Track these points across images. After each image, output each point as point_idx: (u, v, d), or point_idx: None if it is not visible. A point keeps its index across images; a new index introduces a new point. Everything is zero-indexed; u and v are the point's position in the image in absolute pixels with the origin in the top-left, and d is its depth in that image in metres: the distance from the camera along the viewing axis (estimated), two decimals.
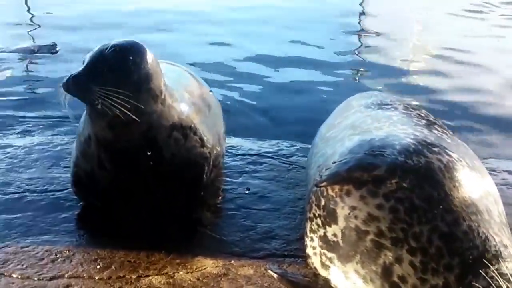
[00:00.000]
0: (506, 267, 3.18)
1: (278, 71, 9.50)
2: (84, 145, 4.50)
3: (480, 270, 3.15)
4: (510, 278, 3.10)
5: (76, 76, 4.07)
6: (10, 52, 9.50)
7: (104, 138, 4.32)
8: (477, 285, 3.10)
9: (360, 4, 14.75)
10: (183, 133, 4.52)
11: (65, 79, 4.08)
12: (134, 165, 4.41)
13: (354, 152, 3.69)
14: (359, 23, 12.96)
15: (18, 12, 12.80)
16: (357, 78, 9.72)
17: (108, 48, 4.16)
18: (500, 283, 3.07)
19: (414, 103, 4.75)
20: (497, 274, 3.11)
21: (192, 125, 4.62)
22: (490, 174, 4.90)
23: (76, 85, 4.07)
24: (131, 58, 4.20)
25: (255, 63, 9.85)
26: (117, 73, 4.14)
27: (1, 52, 9.48)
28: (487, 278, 3.10)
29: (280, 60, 10.05)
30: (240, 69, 9.63)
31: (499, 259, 3.22)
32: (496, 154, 6.64)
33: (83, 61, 4.17)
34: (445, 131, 4.20)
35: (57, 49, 9.64)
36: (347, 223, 3.47)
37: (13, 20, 12.25)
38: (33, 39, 10.72)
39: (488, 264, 3.16)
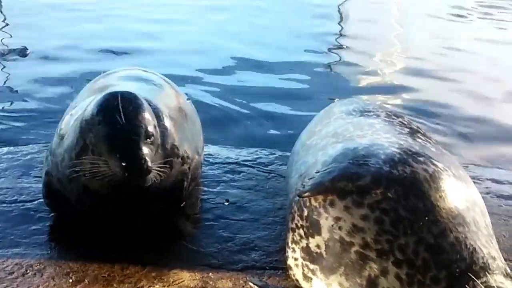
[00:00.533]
0: (494, 280, 3.18)
1: (255, 78, 9.39)
2: (65, 173, 4.38)
3: (467, 285, 3.14)
4: None
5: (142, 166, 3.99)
6: None
7: (97, 190, 4.30)
8: None
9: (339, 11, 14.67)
10: (170, 162, 4.45)
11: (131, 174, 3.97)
12: (118, 197, 4.35)
13: (338, 161, 3.68)
14: (340, 32, 12.88)
15: None
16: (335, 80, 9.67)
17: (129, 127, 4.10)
18: None
19: (396, 110, 4.73)
20: (484, 287, 3.09)
21: (175, 150, 4.58)
22: (474, 182, 4.93)
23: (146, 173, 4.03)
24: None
25: (232, 71, 9.75)
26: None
27: None
28: None
29: (258, 67, 9.95)
30: (214, 76, 9.52)
31: (487, 271, 3.22)
32: (480, 159, 6.62)
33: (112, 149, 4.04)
34: (428, 139, 4.19)
35: (27, 52, 9.50)
36: (331, 235, 3.44)
37: None
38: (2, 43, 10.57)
39: (476, 277, 3.14)
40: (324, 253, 3.47)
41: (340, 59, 10.68)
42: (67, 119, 4.56)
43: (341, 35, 12.61)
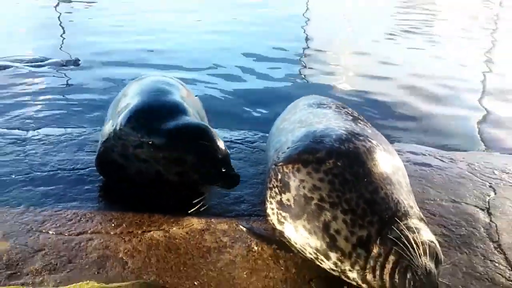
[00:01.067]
0: (412, 222, 3.27)
1: (238, 80, 9.34)
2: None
3: (393, 226, 3.21)
4: (415, 230, 3.18)
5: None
6: (44, 65, 9.28)
7: (167, 177, 4.42)
8: (390, 236, 3.16)
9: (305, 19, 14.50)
10: None
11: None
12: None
13: (302, 140, 3.76)
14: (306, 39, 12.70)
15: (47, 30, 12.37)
16: (302, 80, 9.61)
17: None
18: (407, 233, 3.12)
19: (342, 103, 4.79)
20: (405, 228, 3.17)
21: None
22: (398, 154, 4.98)
23: None
24: None
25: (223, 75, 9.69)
26: None
27: (36, 64, 9.25)
28: (398, 231, 3.16)
29: (242, 70, 9.90)
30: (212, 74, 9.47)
31: (407, 216, 3.31)
32: (401, 138, 6.68)
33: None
34: (366, 124, 4.27)
35: (79, 62, 9.43)
36: (297, 192, 3.51)
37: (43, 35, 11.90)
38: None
39: (399, 220, 3.21)
40: (292, 204, 3.54)
41: (306, 66, 10.55)
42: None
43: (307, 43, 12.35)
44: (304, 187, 3.48)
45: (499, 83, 9.84)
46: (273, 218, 3.74)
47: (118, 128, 4.42)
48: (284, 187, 3.61)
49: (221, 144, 4.38)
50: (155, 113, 4.43)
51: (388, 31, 13.59)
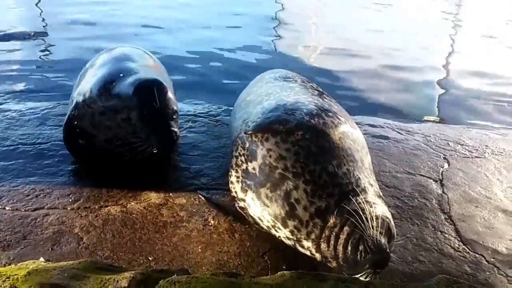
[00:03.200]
0: (371, 198, 3.20)
1: (210, 56, 8.98)
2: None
3: (351, 198, 3.12)
4: (372, 204, 3.12)
5: (175, 141, 4.06)
6: (10, 36, 8.83)
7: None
8: (347, 207, 3.08)
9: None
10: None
11: None
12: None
13: (273, 111, 3.64)
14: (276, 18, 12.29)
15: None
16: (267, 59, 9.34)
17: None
18: (363, 206, 3.06)
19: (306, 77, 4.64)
20: (363, 201, 3.10)
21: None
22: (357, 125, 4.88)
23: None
24: None
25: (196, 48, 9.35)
26: None
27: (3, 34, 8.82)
28: (355, 203, 3.08)
29: (214, 44, 9.52)
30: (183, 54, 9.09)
31: (366, 192, 3.24)
32: (361, 111, 6.53)
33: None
34: (331, 99, 4.16)
35: (47, 33, 9.00)
36: (263, 160, 3.41)
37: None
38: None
39: (358, 194, 3.12)
40: (257, 173, 3.42)
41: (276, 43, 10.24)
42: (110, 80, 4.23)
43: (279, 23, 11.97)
44: (270, 156, 3.37)
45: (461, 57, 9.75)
46: (236, 186, 3.61)
47: (87, 96, 4.19)
48: (251, 156, 3.48)
49: (168, 101, 4.04)
50: (116, 80, 4.19)
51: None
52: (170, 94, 4.11)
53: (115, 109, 4.05)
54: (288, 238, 3.33)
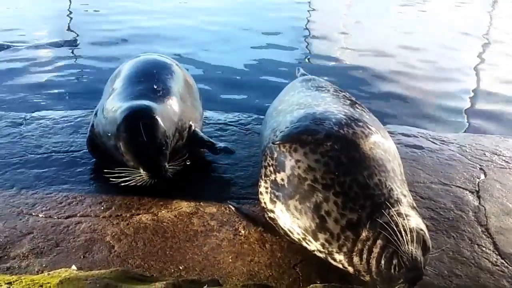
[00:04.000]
0: (404, 210, 3.10)
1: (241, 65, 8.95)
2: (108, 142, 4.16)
3: (384, 211, 3.04)
4: (405, 216, 3.01)
5: (162, 173, 3.92)
6: (45, 45, 8.98)
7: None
8: (380, 221, 3.00)
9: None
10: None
11: None
12: None
13: (302, 121, 3.60)
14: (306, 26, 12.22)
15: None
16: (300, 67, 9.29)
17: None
18: (396, 219, 2.97)
19: (339, 86, 4.59)
20: (396, 214, 3.01)
21: (185, 126, 4.43)
22: (390, 135, 4.80)
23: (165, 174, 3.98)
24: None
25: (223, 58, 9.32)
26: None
27: (38, 45, 8.97)
28: (388, 216, 2.99)
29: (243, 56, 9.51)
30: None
31: (399, 204, 3.14)
32: (395, 120, 6.44)
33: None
34: (363, 109, 4.08)
35: (78, 42, 9.11)
36: (292, 171, 3.35)
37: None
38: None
39: (391, 206, 3.05)
40: (286, 184, 3.37)
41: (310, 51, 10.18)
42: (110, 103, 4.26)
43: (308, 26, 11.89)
44: (299, 167, 3.31)
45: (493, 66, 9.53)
46: (265, 197, 3.57)
47: (98, 113, 4.34)
48: (280, 166, 3.44)
49: (155, 134, 3.91)
50: (120, 102, 4.16)
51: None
52: (160, 126, 3.95)
53: (108, 134, 4.08)
54: (320, 251, 3.26)
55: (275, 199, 3.47)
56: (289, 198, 3.35)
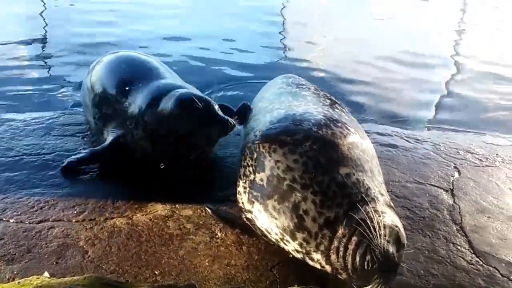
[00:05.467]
0: (380, 207, 3.13)
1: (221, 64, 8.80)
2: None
3: (360, 207, 3.06)
4: (380, 213, 3.05)
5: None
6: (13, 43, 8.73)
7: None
8: (356, 217, 3.01)
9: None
10: None
11: None
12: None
13: (281, 121, 3.62)
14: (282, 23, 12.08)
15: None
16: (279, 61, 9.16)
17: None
18: (372, 215, 2.98)
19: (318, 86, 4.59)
20: (372, 210, 3.02)
21: None
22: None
23: None
24: None
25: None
26: None
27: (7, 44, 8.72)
28: (364, 213, 3.01)
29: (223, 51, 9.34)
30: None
31: (376, 202, 3.16)
32: (371, 119, 6.43)
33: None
34: (343, 109, 4.12)
35: (47, 40, 8.89)
36: (271, 172, 3.35)
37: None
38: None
39: (367, 204, 3.08)
40: (265, 184, 3.36)
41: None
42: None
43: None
44: (278, 168, 3.31)
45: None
46: (243, 197, 3.55)
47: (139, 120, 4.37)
48: (259, 167, 3.42)
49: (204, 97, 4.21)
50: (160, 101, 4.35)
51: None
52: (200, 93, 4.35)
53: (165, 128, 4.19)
54: (297, 251, 3.25)
55: (253, 199, 3.45)
56: (268, 198, 3.33)
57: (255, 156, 3.48)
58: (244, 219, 3.61)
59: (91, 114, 4.80)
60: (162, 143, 4.20)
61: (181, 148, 4.22)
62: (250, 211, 3.50)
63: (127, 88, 4.51)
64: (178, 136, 4.13)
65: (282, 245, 3.34)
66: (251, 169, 3.50)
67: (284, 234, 3.26)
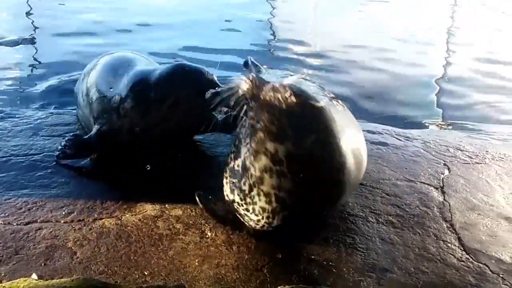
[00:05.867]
0: None
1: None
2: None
3: None
4: None
5: None
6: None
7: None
8: None
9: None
10: None
11: None
12: None
13: None
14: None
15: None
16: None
17: None
18: None
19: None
20: None
21: None
22: None
23: None
24: None
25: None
26: None
27: None
28: None
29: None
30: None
31: None
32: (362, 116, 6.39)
33: None
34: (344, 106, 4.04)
35: (35, 40, 8.82)
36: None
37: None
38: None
39: None
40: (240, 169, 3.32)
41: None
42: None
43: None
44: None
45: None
46: (226, 188, 3.52)
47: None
48: (237, 153, 3.37)
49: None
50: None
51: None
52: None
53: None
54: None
55: (233, 187, 3.41)
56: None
57: (236, 142, 3.43)
58: (231, 211, 3.57)
59: (83, 107, 4.83)
60: (154, 113, 4.16)
61: (172, 121, 4.18)
62: (233, 201, 3.46)
63: (114, 76, 4.58)
64: (172, 102, 4.10)
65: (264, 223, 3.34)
66: (232, 155, 3.46)
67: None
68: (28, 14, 10.68)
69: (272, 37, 10.44)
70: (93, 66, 5.03)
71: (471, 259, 3.57)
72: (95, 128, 4.43)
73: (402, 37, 10.47)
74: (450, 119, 6.77)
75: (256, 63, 5.45)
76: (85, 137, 4.49)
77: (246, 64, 5.16)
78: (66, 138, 4.50)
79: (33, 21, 10.18)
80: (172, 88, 4.13)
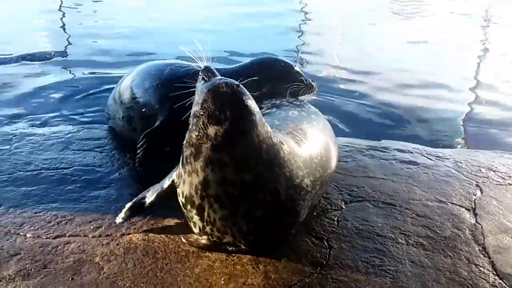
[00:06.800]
0: None
1: None
2: None
3: None
4: None
5: None
6: (33, 55, 8.82)
7: None
8: None
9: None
10: None
11: None
12: None
13: None
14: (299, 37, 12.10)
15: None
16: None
17: None
18: None
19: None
20: None
21: None
22: (383, 151, 4.77)
23: None
24: None
25: None
26: None
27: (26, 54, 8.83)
28: None
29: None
30: None
31: None
32: (391, 135, 6.31)
33: None
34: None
35: (68, 53, 9.01)
36: None
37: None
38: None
39: None
40: None
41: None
42: None
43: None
44: None
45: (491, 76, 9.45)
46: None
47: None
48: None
49: None
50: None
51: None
52: None
53: None
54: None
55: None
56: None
57: None
58: None
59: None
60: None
61: None
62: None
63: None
64: None
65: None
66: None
67: None
68: (62, 27, 10.97)
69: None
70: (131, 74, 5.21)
71: (504, 284, 3.46)
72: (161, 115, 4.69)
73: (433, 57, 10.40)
74: (482, 140, 6.63)
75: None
76: (156, 124, 4.70)
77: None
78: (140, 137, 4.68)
79: (69, 36, 10.46)
80: None
